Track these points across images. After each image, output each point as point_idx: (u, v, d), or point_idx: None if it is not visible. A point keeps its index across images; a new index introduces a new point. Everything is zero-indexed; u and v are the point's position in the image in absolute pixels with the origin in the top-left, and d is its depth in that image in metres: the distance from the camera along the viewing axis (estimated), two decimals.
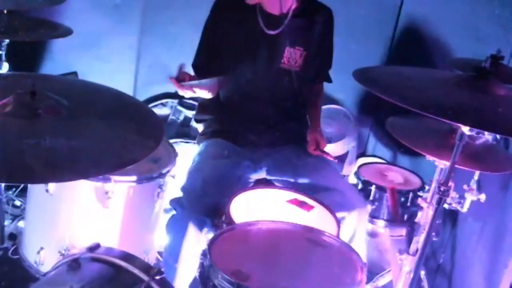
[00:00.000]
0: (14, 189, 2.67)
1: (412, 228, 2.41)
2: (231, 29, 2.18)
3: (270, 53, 2.20)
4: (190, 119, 3.32)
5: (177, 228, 1.99)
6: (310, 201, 1.96)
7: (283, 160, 2.22)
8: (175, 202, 2.07)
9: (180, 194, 2.08)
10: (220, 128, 2.28)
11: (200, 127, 2.41)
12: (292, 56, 2.21)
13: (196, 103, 3.33)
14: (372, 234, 2.55)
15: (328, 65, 2.37)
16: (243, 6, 2.17)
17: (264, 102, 2.24)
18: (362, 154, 3.47)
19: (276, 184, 2.23)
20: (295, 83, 2.26)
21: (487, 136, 2.11)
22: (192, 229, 1.94)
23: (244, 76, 2.21)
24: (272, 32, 2.17)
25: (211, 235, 1.94)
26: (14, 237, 2.40)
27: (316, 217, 1.89)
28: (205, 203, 1.97)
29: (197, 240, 1.95)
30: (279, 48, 2.20)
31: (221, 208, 1.94)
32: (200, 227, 1.95)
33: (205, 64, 2.23)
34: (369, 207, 2.42)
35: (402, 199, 2.48)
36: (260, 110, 2.25)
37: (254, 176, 2.24)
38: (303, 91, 2.32)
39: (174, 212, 2.07)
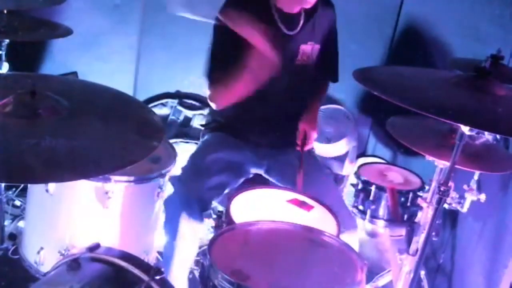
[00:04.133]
0: (14, 189, 2.67)
1: (412, 228, 2.41)
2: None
3: (288, 52, 2.15)
4: (190, 119, 3.32)
5: (175, 204, 2.00)
6: (310, 201, 1.96)
7: (284, 164, 2.21)
8: (174, 179, 2.07)
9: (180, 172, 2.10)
10: (225, 123, 2.28)
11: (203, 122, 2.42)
12: (305, 52, 2.19)
13: (196, 103, 3.36)
14: (372, 234, 2.56)
15: (335, 61, 2.34)
16: (259, 5, 2.12)
17: (272, 102, 2.18)
18: (362, 154, 3.47)
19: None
20: (308, 79, 2.25)
21: (487, 136, 2.11)
22: (190, 207, 1.96)
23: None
24: (291, 33, 2.15)
25: (205, 222, 1.95)
26: (14, 237, 2.40)
27: (316, 217, 1.89)
28: (204, 182, 2.00)
29: (195, 218, 1.97)
30: (296, 47, 2.17)
31: (220, 188, 1.94)
32: (199, 206, 1.97)
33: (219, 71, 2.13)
34: (361, 230, 2.40)
35: (402, 199, 2.48)
36: (266, 111, 2.22)
37: (254, 170, 2.25)
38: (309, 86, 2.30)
39: (172, 189, 2.07)
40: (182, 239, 1.99)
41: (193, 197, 1.98)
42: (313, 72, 2.25)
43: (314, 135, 2.24)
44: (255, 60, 1.95)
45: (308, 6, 2.11)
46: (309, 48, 2.19)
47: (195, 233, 2.01)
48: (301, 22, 2.16)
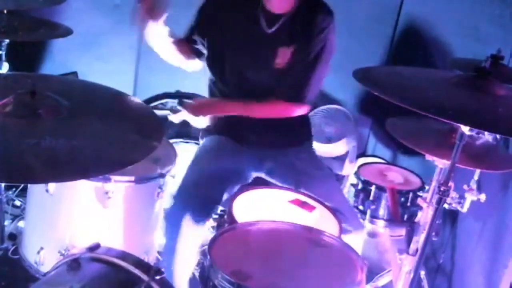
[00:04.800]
0: (14, 189, 2.67)
1: (412, 228, 2.41)
2: (231, 25, 2.13)
3: (267, 52, 2.13)
4: None
5: (172, 220, 1.99)
6: (311, 202, 1.96)
7: (286, 165, 2.20)
8: (175, 194, 2.07)
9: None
10: (224, 125, 2.27)
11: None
12: (285, 55, 2.12)
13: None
14: (372, 234, 2.56)
15: (305, 88, 2.09)
16: (244, 2, 2.13)
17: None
18: (362, 154, 3.47)
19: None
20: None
21: (487, 136, 2.11)
22: (187, 221, 1.94)
23: (242, 74, 2.16)
24: (269, 31, 2.11)
25: (206, 226, 1.95)
26: (14, 237, 2.40)
27: (318, 218, 1.89)
28: (201, 195, 1.99)
29: (193, 232, 1.96)
30: (273, 48, 2.12)
31: (218, 200, 1.94)
32: (196, 219, 1.95)
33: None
34: (365, 230, 2.38)
35: (402, 199, 2.48)
36: None
37: (254, 174, 2.24)
38: None
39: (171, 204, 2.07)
40: (182, 251, 1.99)
41: (193, 210, 1.96)
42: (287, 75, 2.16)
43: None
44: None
45: None
46: (288, 52, 2.10)
47: (196, 244, 2.01)
48: (281, 21, 2.09)
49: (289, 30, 2.11)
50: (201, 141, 2.34)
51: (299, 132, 2.28)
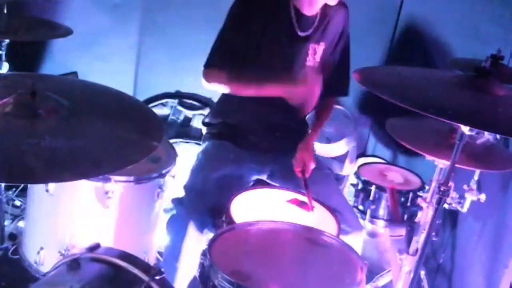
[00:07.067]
0: (14, 189, 2.67)
1: (412, 228, 2.41)
2: (262, 29, 2.07)
3: (299, 54, 2.13)
4: (190, 119, 3.32)
5: (177, 227, 1.99)
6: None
7: (287, 167, 2.18)
8: (176, 201, 2.07)
9: (182, 193, 2.08)
10: (227, 131, 2.26)
11: (205, 129, 2.39)
12: (315, 52, 2.15)
13: (196, 103, 3.36)
14: (372, 234, 2.56)
15: (349, 75, 2.23)
16: (275, 4, 2.08)
17: (276, 105, 2.12)
18: (362, 154, 3.47)
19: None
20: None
21: (487, 136, 2.12)
22: (192, 229, 1.94)
23: (273, 73, 2.07)
24: (304, 34, 2.11)
25: (211, 235, 1.94)
26: (14, 237, 2.41)
27: (316, 217, 1.89)
28: (206, 203, 1.98)
29: (197, 240, 1.95)
30: (307, 47, 2.13)
31: (221, 208, 1.93)
32: (201, 227, 1.95)
33: (222, 61, 2.07)
34: (365, 231, 2.39)
35: (402, 199, 2.48)
36: (271, 114, 2.19)
37: (255, 177, 2.23)
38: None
39: (174, 211, 2.07)
40: (185, 258, 1.98)
41: (195, 218, 1.96)
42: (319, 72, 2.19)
43: (312, 165, 2.12)
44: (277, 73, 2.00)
45: (332, 3, 2.08)
46: (320, 49, 2.16)
47: (197, 254, 2.00)
48: (316, 23, 2.12)
49: (319, 30, 2.13)
50: (202, 145, 2.33)
51: (298, 134, 2.27)
